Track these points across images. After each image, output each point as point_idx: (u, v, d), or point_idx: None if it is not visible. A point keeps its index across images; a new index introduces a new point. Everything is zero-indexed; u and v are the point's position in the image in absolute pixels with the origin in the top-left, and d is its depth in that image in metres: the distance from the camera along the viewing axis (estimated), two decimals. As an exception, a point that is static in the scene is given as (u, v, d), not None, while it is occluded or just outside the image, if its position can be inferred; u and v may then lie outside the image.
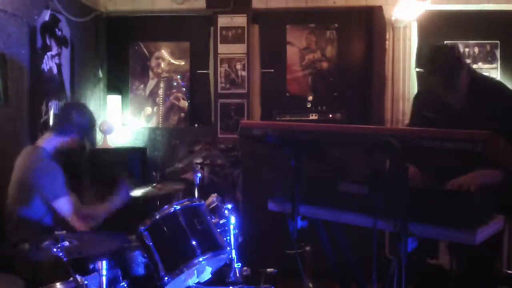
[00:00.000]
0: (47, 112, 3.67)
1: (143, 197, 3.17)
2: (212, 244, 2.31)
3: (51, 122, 3.70)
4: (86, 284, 1.90)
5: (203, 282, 2.41)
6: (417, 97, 2.87)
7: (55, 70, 3.87)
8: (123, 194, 2.87)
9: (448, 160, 1.93)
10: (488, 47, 4.46)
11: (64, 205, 2.59)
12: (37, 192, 2.56)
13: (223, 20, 4.53)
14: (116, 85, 4.87)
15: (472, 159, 1.70)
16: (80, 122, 2.72)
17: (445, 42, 4.26)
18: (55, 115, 2.86)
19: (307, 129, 2.07)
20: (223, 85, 4.57)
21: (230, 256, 2.56)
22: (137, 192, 3.16)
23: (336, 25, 4.63)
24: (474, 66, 4.33)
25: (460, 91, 2.46)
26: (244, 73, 4.54)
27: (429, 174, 2.45)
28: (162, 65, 4.82)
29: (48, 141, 2.71)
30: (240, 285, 2.50)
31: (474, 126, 2.35)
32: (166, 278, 2.17)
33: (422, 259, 2.49)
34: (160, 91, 4.83)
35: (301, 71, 4.67)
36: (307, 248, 3.45)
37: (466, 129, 2.36)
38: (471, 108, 2.43)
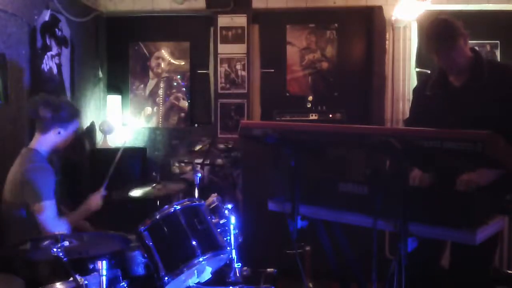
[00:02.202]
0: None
1: (143, 197, 3.17)
2: (212, 244, 2.31)
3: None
4: (86, 284, 1.91)
5: (203, 282, 2.41)
6: (417, 85, 2.89)
7: (55, 70, 3.87)
8: (93, 201, 2.82)
9: (448, 160, 1.93)
10: (488, 47, 4.46)
11: (46, 209, 2.49)
12: (27, 193, 2.50)
13: (223, 20, 4.53)
14: (116, 85, 4.87)
15: (472, 159, 1.70)
16: (50, 115, 2.61)
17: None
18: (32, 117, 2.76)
19: (307, 129, 2.07)
20: (223, 85, 4.57)
21: (230, 256, 2.56)
22: (137, 192, 3.16)
23: (336, 25, 4.62)
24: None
25: (461, 65, 2.44)
26: (244, 73, 4.54)
27: (432, 175, 2.45)
28: (162, 65, 4.82)
29: (39, 142, 2.66)
30: (240, 285, 2.50)
31: (470, 104, 2.39)
32: (166, 278, 2.17)
33: (426, 261, 2.48)
34: (160, 91, 4.83)
35: (301, 71, 4.67)
36: (307, 248, 3.45)
37: (462, 106, 2.40)
38: (471, 86, 2.43)
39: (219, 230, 2.49)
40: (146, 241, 2.23)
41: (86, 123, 4.47)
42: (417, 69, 4.39)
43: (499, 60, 4.42)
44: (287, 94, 4.67)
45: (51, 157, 2.73)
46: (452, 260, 2.53)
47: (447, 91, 2.51)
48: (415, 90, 2.81)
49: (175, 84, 4.82)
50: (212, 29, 4.61)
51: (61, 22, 3.94)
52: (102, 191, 2.87)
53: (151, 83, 4.84)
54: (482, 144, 1.48)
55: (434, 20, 2.48)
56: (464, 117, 2.37)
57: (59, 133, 2.67)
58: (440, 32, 2.42)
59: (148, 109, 4.85)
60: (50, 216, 2.51)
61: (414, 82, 4.38)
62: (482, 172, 2.21)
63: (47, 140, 2.67)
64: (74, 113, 2.77)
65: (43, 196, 2.49)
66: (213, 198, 2.67)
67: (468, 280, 2.38)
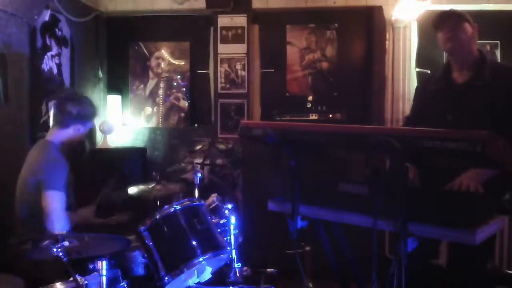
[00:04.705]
0: (47, 112, 3.67)
1: (143, 197, 3.17)
2: (212, 244, 2.31)
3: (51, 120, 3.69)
4: (86, 284, 1.91)
5: (203, 282, 2.41)
6: (420, 83, 2.91)
7: (55, 70, 3.87)
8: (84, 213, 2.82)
9: (448, 160, 1.93)
10: (488, 47, 4.46)
11: (54, 199, 2.49)
12: (39, 182, 2.51)
13: (223, 20, 4.53)
14: (116, 85, 4.87)
15: (472, 159, 1.70)
16: (77, 112, 2.67)
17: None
18: (54, 110, 2.78)
19: (307, 129, 2.07)
20: (223, 85, 4.57)
21: (230, 256, 2.56)
22: (137, 192, 3.16)
23: (336, 25, 4.63)
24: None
25: (466, 52, 2.47)
26: (244, 73, 4.54)
27: (428, 174, 2.45)
28: (162, 65, 4.82)
29: (55, 135, 2.70)
30: (240, 285, 2.50)
31: (471, 102, 2.40)
32: (166, 278, 2.17)
33: (423, 259, 2.49)
34: (160, 91, 4.83)
35: (301, 71, 4.67)
36: (307, 248, 3.44)
37: (463, 104, 2.42)
38: (473, 84, 2.44)
39: (219, 230, 2.49)
40: (146, 241, 2.23)
41: (86, 123, 4.47)
42: (417, 69, 4.39)
43: (499, 60, 4.42)
44: (287, 94, 4.67)
45: (63, 149, 2.73)
46: (449, 259, 2.54)
47: (449, 87, 2.52)
48: (418, 88, 2.83)
49: (175, 84, 4.82)
50: (212, 29, 4.62)
51: (61, 22, 3.94)
52: (93, 207, 2.85)
53: (151, 83, 4.84)
54: (482, 144, 1.47)
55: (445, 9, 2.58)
56: (465, 115, 2.38)
57: (78, 130, 2.72)
58: (447, 12, 2.53)
59: (148, 109, 4.85)
60: (56, 208, 2.50)
61: (414, 82, 4.38)
62: (476, 173, 2.22)
63: (65, 134, 2.70)
64: (95, 113, 2.83)
65: (52, 185, 2.50)
66: (213, 198, 2.67)
67: (466, 279, 2.38)
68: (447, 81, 2.54)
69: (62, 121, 2.68)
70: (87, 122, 2.75)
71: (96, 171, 4.21)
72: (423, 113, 2.61)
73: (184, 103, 4.81)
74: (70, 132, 2.71)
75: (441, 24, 2.50)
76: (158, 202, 3.39)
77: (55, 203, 2.51)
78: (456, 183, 2.20)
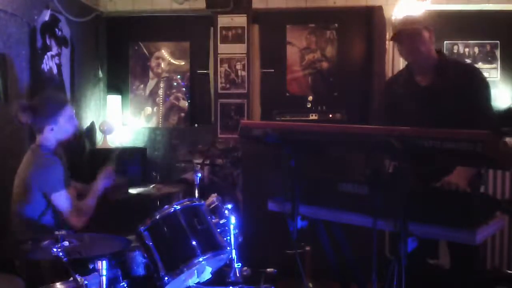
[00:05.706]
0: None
1: (143, 197, 3.17)
2: (212, 244, 2.31)
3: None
4: (86, 284, 1.90)
5: (203, 282, 2.41)
6: (388, 80, 2.94)
7: (55, 70, 3.87)
8: (106, 178, 2.84)
9: (448, 160, 1.93)
10: (488, 47, 4.46)
11: (62, 199, 2.56)
12: (37, 187, 2.54)
13: (223, 20, 4.53)
14: (116, 85, 4.87)
15: (472, 159, 1.70)
16: (32, 119, 2.61)
17: (445, 41, 4.34)
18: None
19: (307, 129, 2.07)
20: (223, 85, 4.57)
21: (230, 256, 2.56)
22: (137, 192, 3.16)
23: (336, 25, 4.62)
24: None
25: (424, 58, 2.49)
26: (244, 73, 4.54)
27: (429, 174, 2.46)
28: (162, 65, 4.82)
29: (41, 140, 2.68)
30: (240, 285, 2.50)
31: (440, 103, 2.42)
32: (166, 278, 2.17)
33: (422, 259, 2.49)
34: (160, 91, 4.83)
35: (301, 71, 4.66)
36: (307, 248, 3.45)
37: (431, 105, 2.43)
38: (438, 86, 2.47)
39: (219, 230, 2.49)
40: (146, 241, 2.23)
41: (86, 123, 4.47)
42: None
43: (499, 60, 4.43)
44: (287, 94, 4.67)
45: (58, 150, 2.73)
46: (450, 259, 2.54)
47: (416, 90, 2.54)
48: (386, 85, 2.85)
49: (175, 84, 4.82)
50: (212, 29, 4.61)
51: (61, 22, 3.94)
52: (112, 167, 2.88)
53: (151, 83, 4.84)
54: (482, 144, 1.48)
55: (404, 16, 2.57)
56: (431, 116, 2.39)
57: (52, 129, 2.65)
58: (404, 22, 2.51)
59: (148, 109, 4.85)
60: (66, 206, 2.56)
61: (414, 82, 4.39)
62: (460, 173, 2.23)
63: (47, 138, 2.68)
64: (58, 105, 2.68)
65: (53, 189, 2.54)
66: (213, 198, 2.67)
67: (465, 279, 2.39)
68: (413, 84, 2.56)
69: (34, 128, 2.67)
70: (52, 119, 2.63)
71: (96, 171, 4.20)
72: (395, 115, 2.62)
73: (184, 103, 4.81)
74: (49, 135, 2.66)
75: (399, 37, 2.50)
76: (158, 202, 3.39)
77: (62, 203, 2.56)
78: (445, 182, 2.21)
